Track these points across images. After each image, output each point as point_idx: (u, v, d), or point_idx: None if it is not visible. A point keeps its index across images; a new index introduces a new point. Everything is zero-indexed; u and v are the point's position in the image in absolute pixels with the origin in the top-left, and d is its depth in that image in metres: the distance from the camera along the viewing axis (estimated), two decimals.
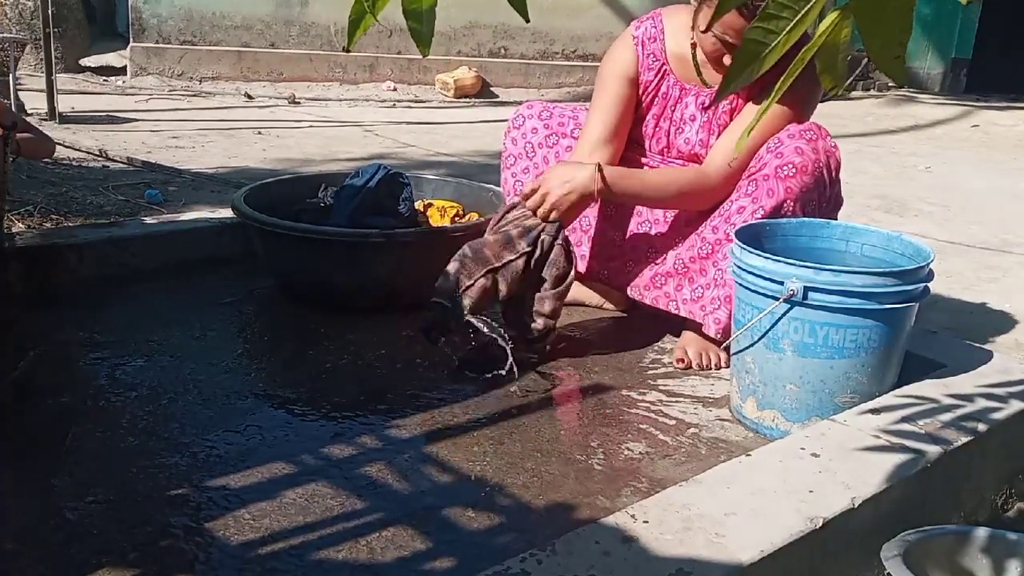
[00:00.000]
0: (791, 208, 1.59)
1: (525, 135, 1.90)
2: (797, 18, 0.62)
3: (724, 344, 1.55)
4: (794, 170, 1.58)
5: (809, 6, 0.62)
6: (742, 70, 0.65)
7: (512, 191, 1.92)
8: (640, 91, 1.77)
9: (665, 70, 1.74)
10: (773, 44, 0.63)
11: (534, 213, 1.65)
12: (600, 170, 1.61)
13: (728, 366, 1.65)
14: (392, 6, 0.67)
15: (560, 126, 1.88)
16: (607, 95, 1.76)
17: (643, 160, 1.82)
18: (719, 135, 1.71)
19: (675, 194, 1.67)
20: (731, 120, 1.71)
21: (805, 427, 1.34)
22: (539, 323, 1.66)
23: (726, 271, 1.64)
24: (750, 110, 1.67)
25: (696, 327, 1.74)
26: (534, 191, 1.65)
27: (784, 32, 0.62)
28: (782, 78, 0.70)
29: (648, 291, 1.81)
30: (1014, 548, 1.08)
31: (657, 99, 1.77)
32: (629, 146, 1.82)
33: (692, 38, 1.70)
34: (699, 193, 1.67)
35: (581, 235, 1.90)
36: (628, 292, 1.85)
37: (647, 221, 1.82)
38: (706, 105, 1.72)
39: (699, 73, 1.70)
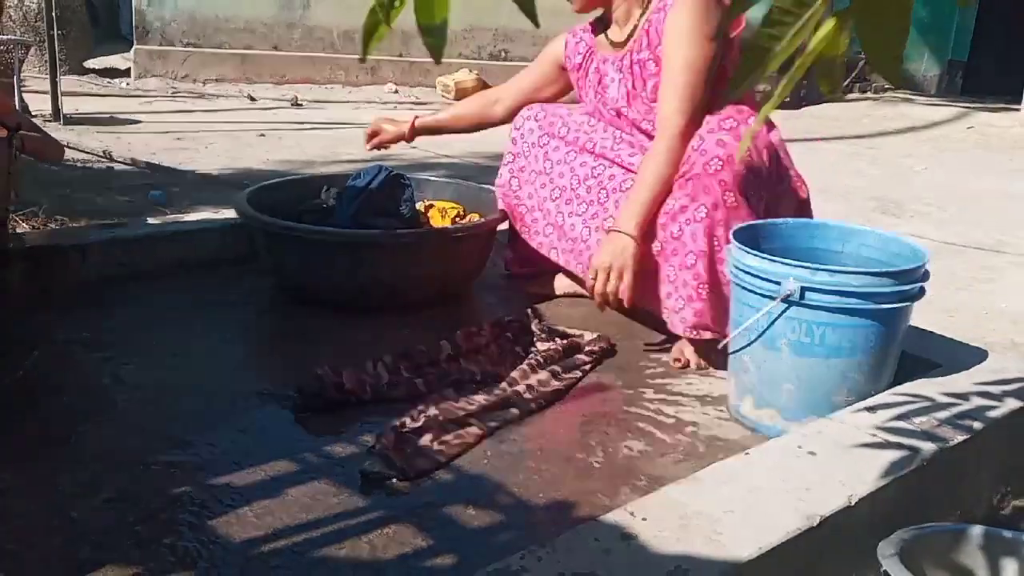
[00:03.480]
0: (732, 198, 1.61)
1: (524, 135, 2.02)
2: (800, 23, 0.64)
3: (722, 344, 1.57)
4: (720, 163, 1.61)
5: (811, 12, 0.64)
6: (749, 72, 0.67)
7: (508, 186, 2.04)
8: (577, 73, 2.00)
9: (592, 52, 1.95)
10: (778, 48, 0.66)
11: (605, 300, 1.72)
12: (631, 234, 1.69)
13: (726, 366, 1.66)
14: (406, 12, 0.69)
15: (550, 126, 1.98)
16: (533, 68, 2.13)
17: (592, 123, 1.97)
18: (633, 83, 1.85)
19: (665, 178, 1.69)
20: (641, 70, 1.83)
21: (802, 426, 1.35)
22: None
23: (680, 268, 1.67)
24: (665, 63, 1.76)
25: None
26: (596, 279, 1.71)
27: (787, 37, 0.65)
28: (782, 83, 0.71)
29: None
30: (1010, 546, 1.09)
31: (590, 75, 1.96)
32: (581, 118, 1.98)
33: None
34: (674, 160, 1.69)
35: (554, 229, 1.96)
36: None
37: (612, 217, 1.84)
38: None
39: (610, 41, 1.90)
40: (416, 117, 2.20)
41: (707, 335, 1.69)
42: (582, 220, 1.90)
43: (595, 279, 1.70)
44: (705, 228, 1.62)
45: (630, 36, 1.85)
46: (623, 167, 1.85)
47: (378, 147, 2.20)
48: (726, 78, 1.74)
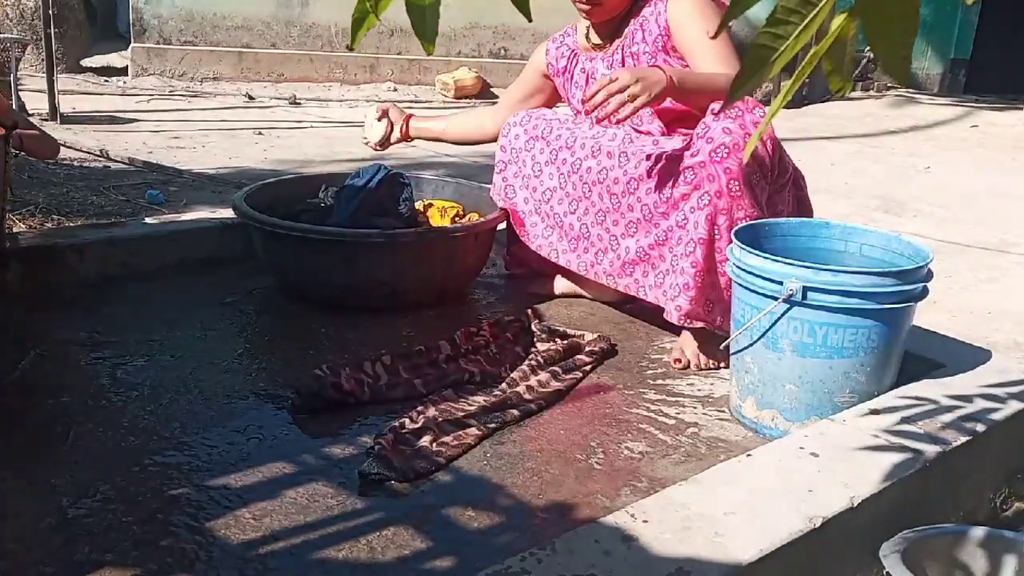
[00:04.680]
0: (736, 187, 1.61)
1: (511, 142, 2.03)
2: (805, 23, 0.63)
3: (723, 344, 1.56)
4: (727, 151, 1.60)
5: (816, 10, 0.63)
6: (752, 74, 0.66)
7: (503, 195, 2.05)
8: (562, 78, 2.05)
9: (577, 55, 2.01)
10: (782, 48, 0.65)
11: (606, 101, 1.62)
12: (668, 75, 1.65)
13: (727, 366, 1.65)
14: (395, 6, 0.67)
15: (535, 129, 2.00)
16: (518, 82, 2.20)
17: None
18: None
19: (718, 87, 1.70)
20: (635, 62, 1.86)
21: (804, 427, 1.34)
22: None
23: (680, 256, 1.67)
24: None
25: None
26: (612, 82, 1.62)
27: (792, 36, 0.64)
28: (790, 82, 0.71)
29: (620, 279, 1.84)
30: (1012, 547, 1.08)
31: (576, 76, 2.00)
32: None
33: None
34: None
35: (553, 231, 1.96)
36: (604, 281, 1.89)
37: (601, 211, 1.84)
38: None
39: (587, 39, 1.96)
40: (411, 116, 2.24)
41: (698, 324, 1.69)
42: (576, 217, 1.90)
43: (612, 82, 1.61)
44: (707, 216, 1.62)
45: (616, 35, 1.89)
46: (597, 156, 1.84)
47: (380, 147, 2.23)
48: None
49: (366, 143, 2.25)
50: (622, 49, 1.89)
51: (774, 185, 1.69)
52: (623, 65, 1.87)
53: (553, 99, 2.16)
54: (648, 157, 1.75)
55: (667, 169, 1.71)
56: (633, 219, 1.78)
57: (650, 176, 1.74)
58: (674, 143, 1.76)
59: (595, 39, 1.94)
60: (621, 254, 1.82)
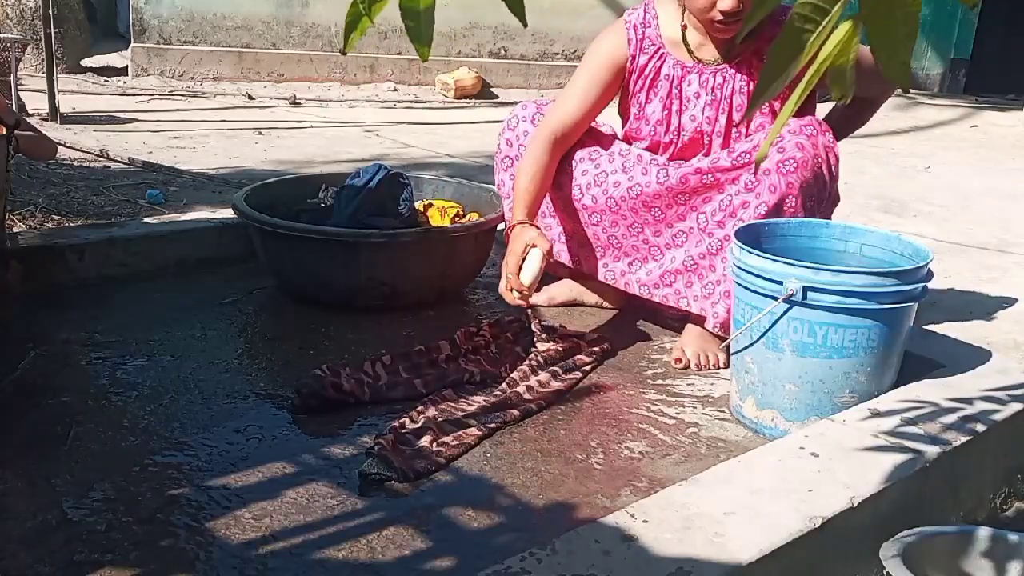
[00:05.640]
0: (794, 203, 1.60)
1: (519, 137, 1.89)
2: (819, 30, 0.64)
3: (723, 344, 1.56)
4: (795, 165, 1.59)
5: (828, 18, 0.63)
6: (771, 82, 0.67)
7: (512, 194, 1.88)
8: (637, 75, 1.78)
9: (663, 53, 1.75)
10: (799, 57, 0.65)
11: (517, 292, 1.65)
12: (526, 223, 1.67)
13: (727, 366, 1.65)
14: (391, 7, 0.67)
15: None
16: (590, 78, 1.78)
17: (654, 140, 1.80)
18: (729, 113, 1.73)
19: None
20: (740, 97, 1.72)
21: (804, 427, 1.34)
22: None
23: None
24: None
25: (698, 323, 1.75)
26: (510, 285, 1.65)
27: (808, 44, 0.64)
28: (795, 94, 0.71)
29: (658, 289, 1.80)
30: (1013, 548, 1.08)
31: (660, 81, 1.76)
32: (637, 130, 1.83)
33: (682, 20, 1.74)
34: None
35: (572, 238, 1.91)
36: (636, 291, 1.84)
37: (637, 224, 1.80)
38: (738, 122, 1.75)
39: (690, 53, 1.74)
40: (527, 224, 1.72)
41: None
42: (602, 228, 1.83)
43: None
44: None
45: (729, 51, 1.70)
46: (628, 172, 1.77)
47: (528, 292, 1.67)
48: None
49: (518, 296, 1.66)
50: (735, 79, 1.70)
51: (821, 207, 1.67)
52: (729, 99, 1.71)
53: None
54: (698, 171, 1.69)
55: (723, 179, 1.67)
56: (684, 228, 1.74)
57: (706, 187, 1.69)
58: (716, 158, 1.70)
59: (700, 50, 1.72)
60: (664, 264, 1.78)
